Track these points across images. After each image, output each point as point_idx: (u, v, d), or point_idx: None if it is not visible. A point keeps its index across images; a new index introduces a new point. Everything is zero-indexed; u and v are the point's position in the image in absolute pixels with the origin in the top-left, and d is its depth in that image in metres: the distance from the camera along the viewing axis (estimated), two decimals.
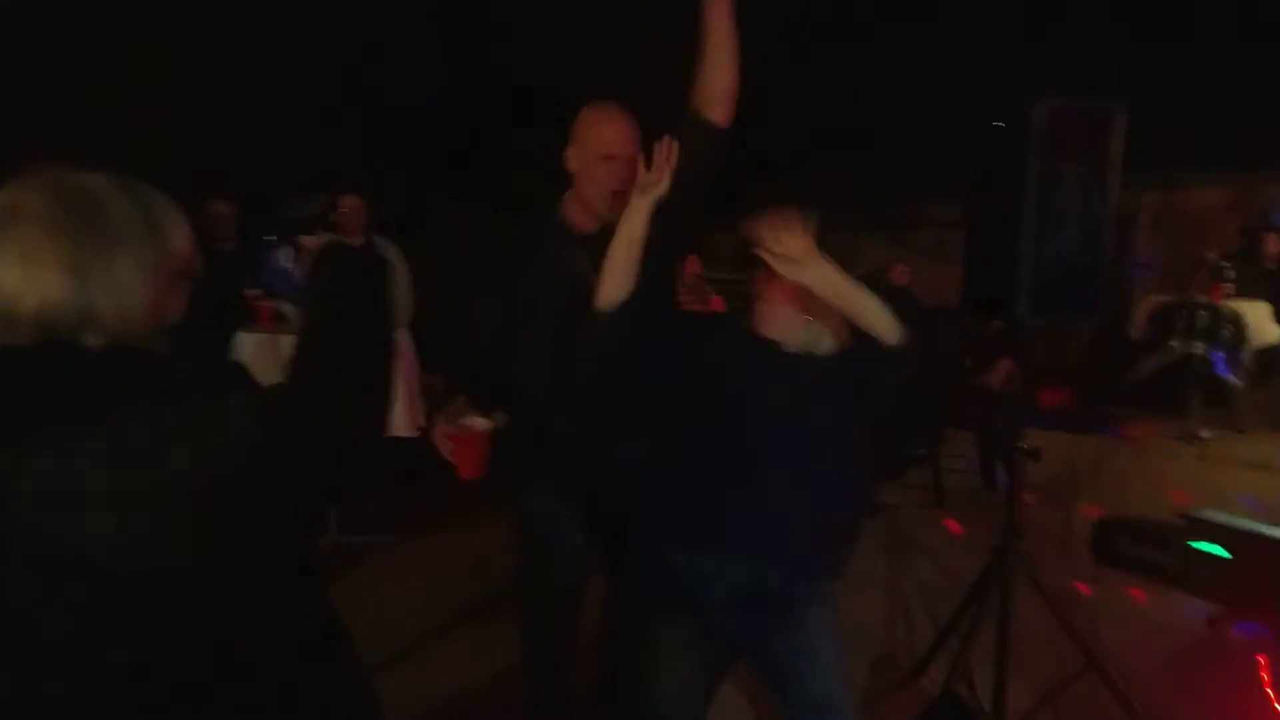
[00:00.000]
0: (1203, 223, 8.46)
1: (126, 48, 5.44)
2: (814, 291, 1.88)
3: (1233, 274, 6.96)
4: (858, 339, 1.95)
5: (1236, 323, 6.83)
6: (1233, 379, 6.88)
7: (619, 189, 2.23)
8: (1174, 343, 6.97)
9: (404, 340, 4.32)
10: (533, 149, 2.47)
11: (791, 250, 1.85)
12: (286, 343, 2.86)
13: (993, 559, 2.84)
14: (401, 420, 4.20)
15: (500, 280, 2.41)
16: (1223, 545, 3.86)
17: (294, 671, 1.23)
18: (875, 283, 6.39)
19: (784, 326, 1.96)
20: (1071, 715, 2.91)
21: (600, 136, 2.28)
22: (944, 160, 6.78)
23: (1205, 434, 6.62)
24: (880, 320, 1.90)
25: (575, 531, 2.43)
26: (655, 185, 1.95)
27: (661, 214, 2.01)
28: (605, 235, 2.16)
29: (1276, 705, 3.03)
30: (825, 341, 1.95)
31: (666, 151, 1.98)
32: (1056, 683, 2.85)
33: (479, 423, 2.03)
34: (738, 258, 2.15)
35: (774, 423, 1.90)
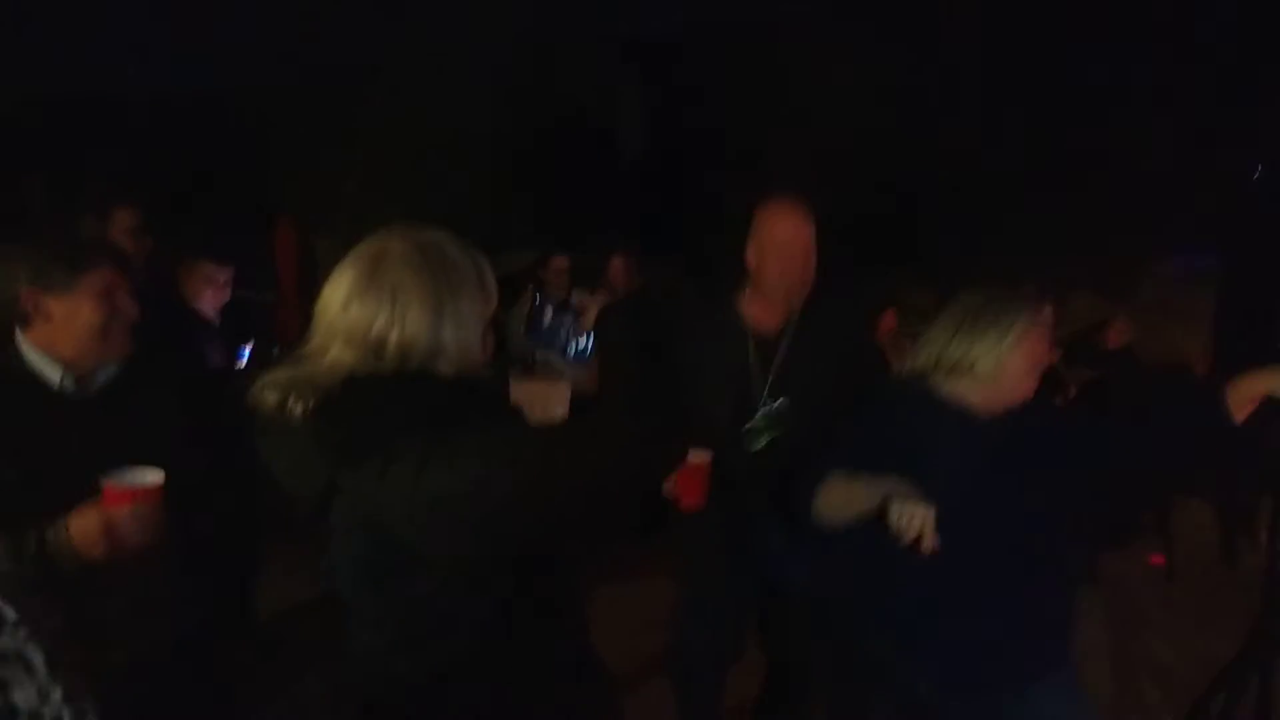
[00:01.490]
0: None
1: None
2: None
3: None
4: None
5: None
6: None
7: (794, 281, 2.34)
8: None
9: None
10: (725, 210, 2.58)
11: None
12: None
13: (1252, 635, 2.59)
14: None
15: (656, 356, 2.45)
16: None
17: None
18: (1087, 343, 6.03)
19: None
20: None
21: (774, 230, 2.37)
22: (1174, 207, 6.34)
23: None
24: None
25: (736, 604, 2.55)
26: None
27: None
28: (784, 335, 2.34)
29: None
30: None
31: None
32: None
33: (700, 454, 2.10)
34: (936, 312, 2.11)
35: (986, 509, 1.79)
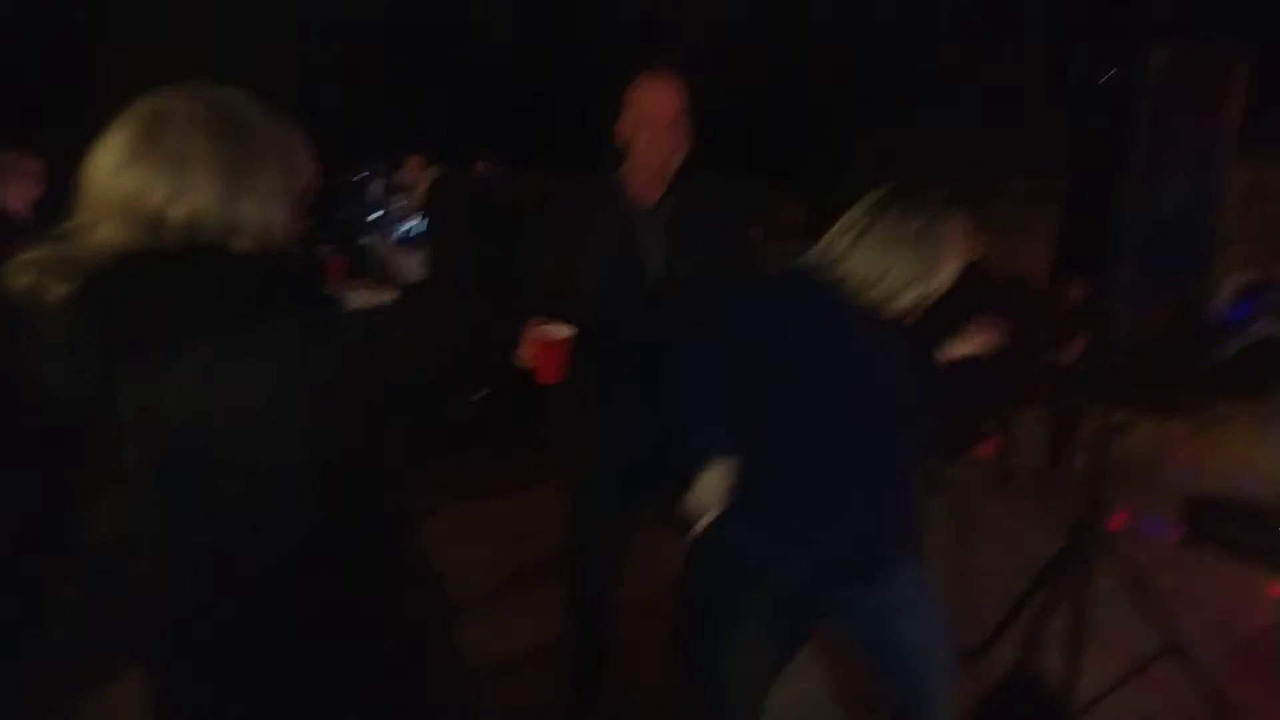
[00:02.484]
0: None
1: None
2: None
3: None
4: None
5: None
6: None
7: (666, 151, 2.31)
8: (1257, 322, 6.67)
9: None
10: (603, 116, 2.48)
11: None
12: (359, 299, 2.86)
13: (1071, 536, 2.71)
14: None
15: (554, 245, 2.42)
16: None
17: (389, 602, 1.24)
18: None
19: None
20: (1146, 698, 2.79)
21: (643, 101, 2.33)
22: (1023, 128, 6.54)
23: None
24: None
25: (621, 492, 2.51)
26: None
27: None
28: (663, 207, 2.32)
29: None
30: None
31: None
32: (1131, 666, 2.73)
33: (559, 329, 2.05)
34: (807, 229, 2.13)
35: (861, 383, 1.83)
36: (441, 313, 1.15)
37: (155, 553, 1.14)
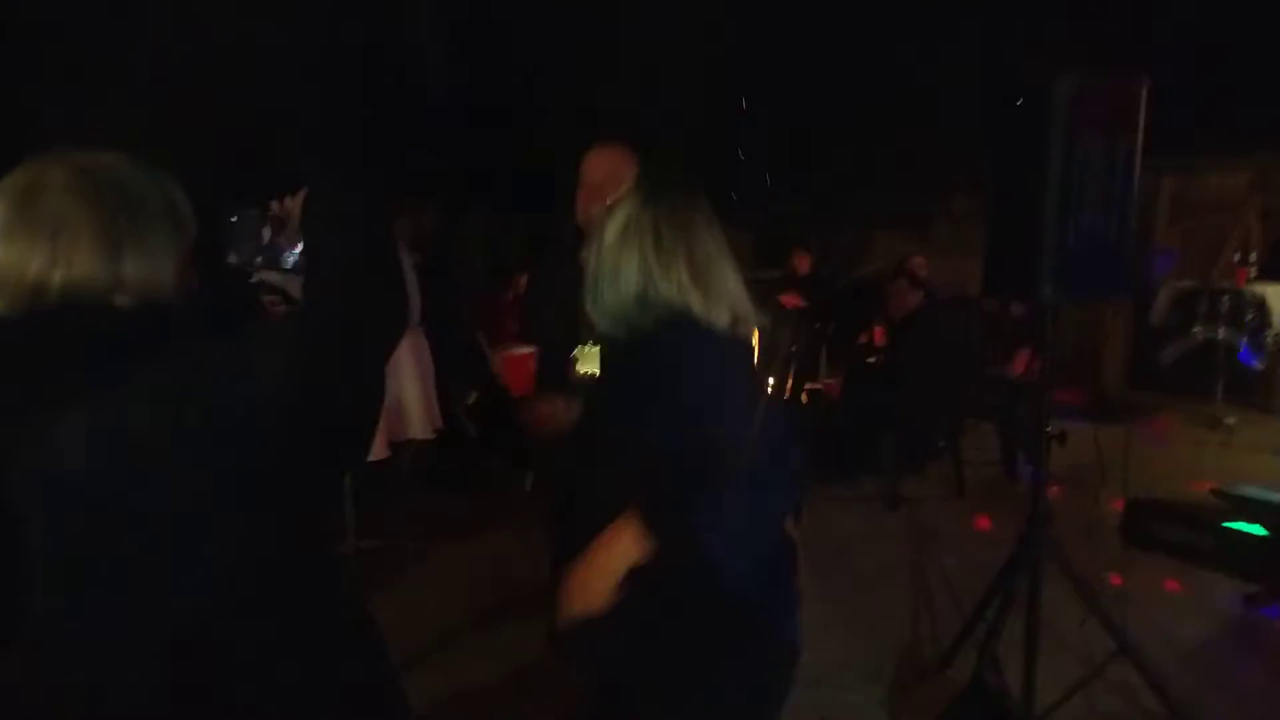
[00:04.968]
0: (1223, 206, 8.35)
1: (139, 47, 5.47)
2: None
3: (1255, 258, 6.88)
4: None
5: (1260, 307, 6.74)
6: (1257, 364, 6.79)
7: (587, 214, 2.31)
8: (1197, 329, 6.89)
9: (419, 340, 4.29)
10: (544, 154, 2.52)
11: None
12: None
13: (1020, 546, 2.79)
14: (418, 423, 4.17)
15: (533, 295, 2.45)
16: (1261, 523, 3.79)
17: (318, 653, 1.19)
18: (894, 276, 6.35)
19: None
20: (1103, 702, 2.86)
21: (591, 170, 2.37)
22: (961, 152, 6.74)
23: (1230, 420, 6.53)
24: None
25: None
26: None
27: None
28: None
29: None
30: None
31: None
32: (1087, 670, 2.80)
33: (525, 348, 2.06)
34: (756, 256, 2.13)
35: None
36: (321, 312, 1.16)
37: (72, 619, 1.11)
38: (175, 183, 1.19)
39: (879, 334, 6.21)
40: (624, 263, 1.56)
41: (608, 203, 2.04)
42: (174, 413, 1.03)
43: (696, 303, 1.54)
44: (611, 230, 1.59)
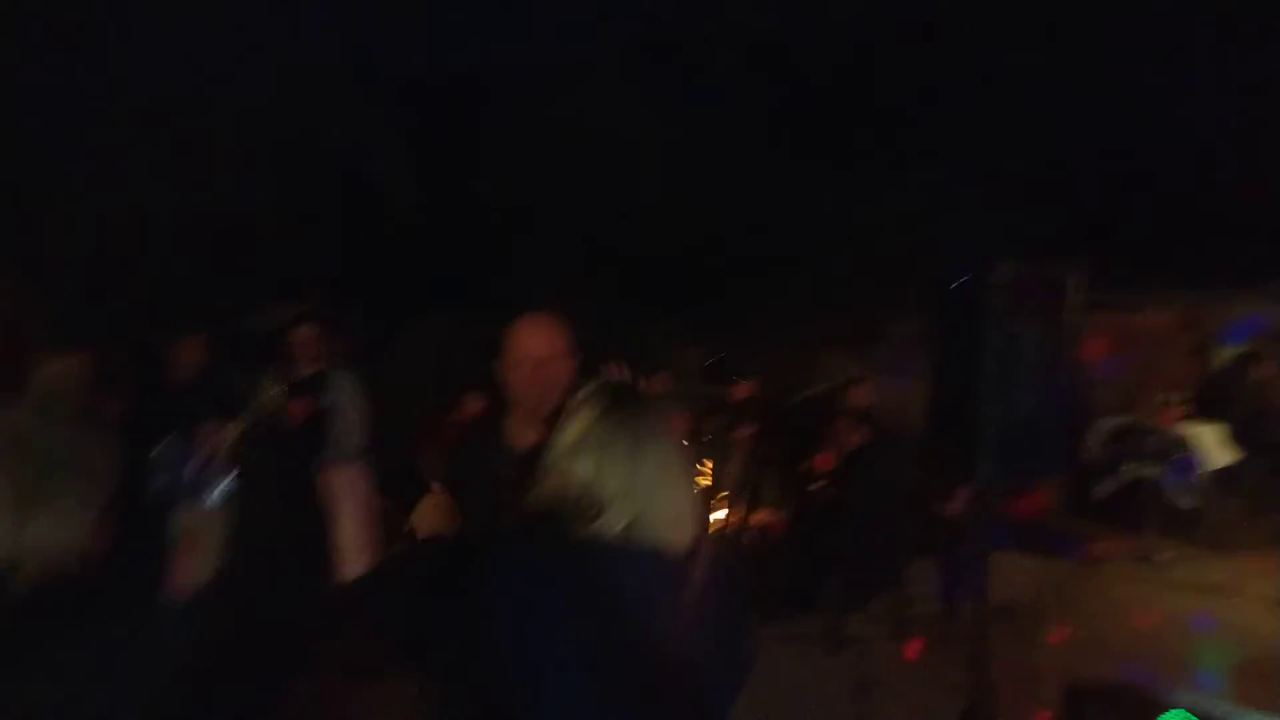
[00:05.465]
0: (1155, 341, 8.68)
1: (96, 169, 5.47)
2: None
3: (1179, 400, 7.13)
4: None
5: (1185, 446, 6.95)
6: (1184, 502, 6.95)
7: (546, 396, 2.25)
8: (1126, 466, 7.06)
9: (356, 473, 4.18)
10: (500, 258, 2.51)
11: None
12: None
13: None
14: (354, 555, 4.02)
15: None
16: None
17: None
18: (835, 402, 6.41)
19: None
20: None
21: (518, 348, 2.32)
22: (904, 278, 6.98)
23: (1162, 555, 6.65)
24: None
25: None
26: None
27: None
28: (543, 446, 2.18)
29: None
30: None
31: None
32: None
33: None
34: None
35: None
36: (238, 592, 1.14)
37: None
38: (91, 432, 1.14)
39: (822, 463, 6.22)
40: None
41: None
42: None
43: None
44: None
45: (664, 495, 1.63)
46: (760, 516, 7.00)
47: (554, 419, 2.22)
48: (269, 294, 6.36)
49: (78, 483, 1.10)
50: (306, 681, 1.23)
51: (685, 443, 2.35)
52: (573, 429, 1.68)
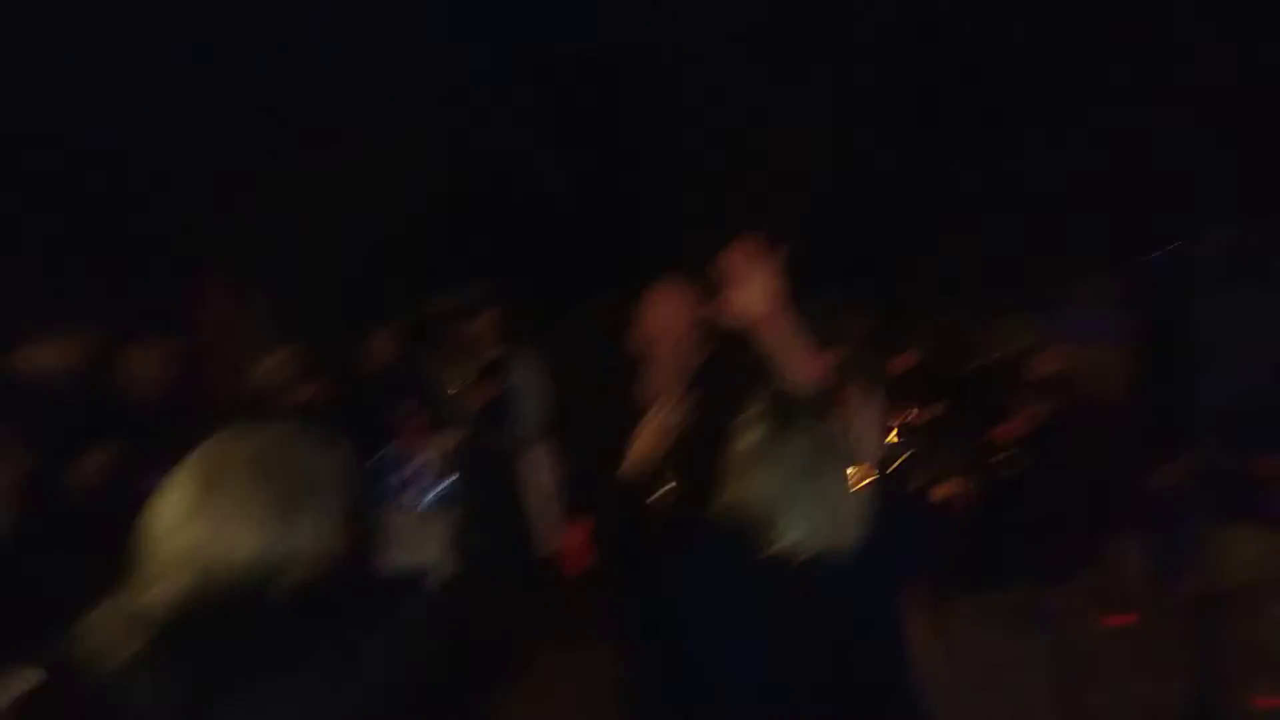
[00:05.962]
0: None
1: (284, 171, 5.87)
2: None
3: None
4: None
5: None
6: None
7: (680, 361, 2.33)
8: None
9: (542, 454, 4.31)
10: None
11: None
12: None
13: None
14: (548, 529, 4.20)
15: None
16: None
17: None
18: (1014, 370, 6.12)
19: None
20: None
21: (651, 318, 2.39)
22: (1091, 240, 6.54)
23: None
24: None
25: None
26: None
27: None
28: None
29: None
30: None
31: None
32: None
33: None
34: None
35: None
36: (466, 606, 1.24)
37: None
38: (341, 449, 1.27)
39: (1005, 433, 5.95)
40: None
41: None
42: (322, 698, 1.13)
43: None
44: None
45: (836, 508, 1.69)
46: (943, 490, 6.78)
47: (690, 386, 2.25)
48: (442, 283, 6.67)
49: (328, 492, 1.23)
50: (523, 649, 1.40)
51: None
52: (746, 444, 1.74)
